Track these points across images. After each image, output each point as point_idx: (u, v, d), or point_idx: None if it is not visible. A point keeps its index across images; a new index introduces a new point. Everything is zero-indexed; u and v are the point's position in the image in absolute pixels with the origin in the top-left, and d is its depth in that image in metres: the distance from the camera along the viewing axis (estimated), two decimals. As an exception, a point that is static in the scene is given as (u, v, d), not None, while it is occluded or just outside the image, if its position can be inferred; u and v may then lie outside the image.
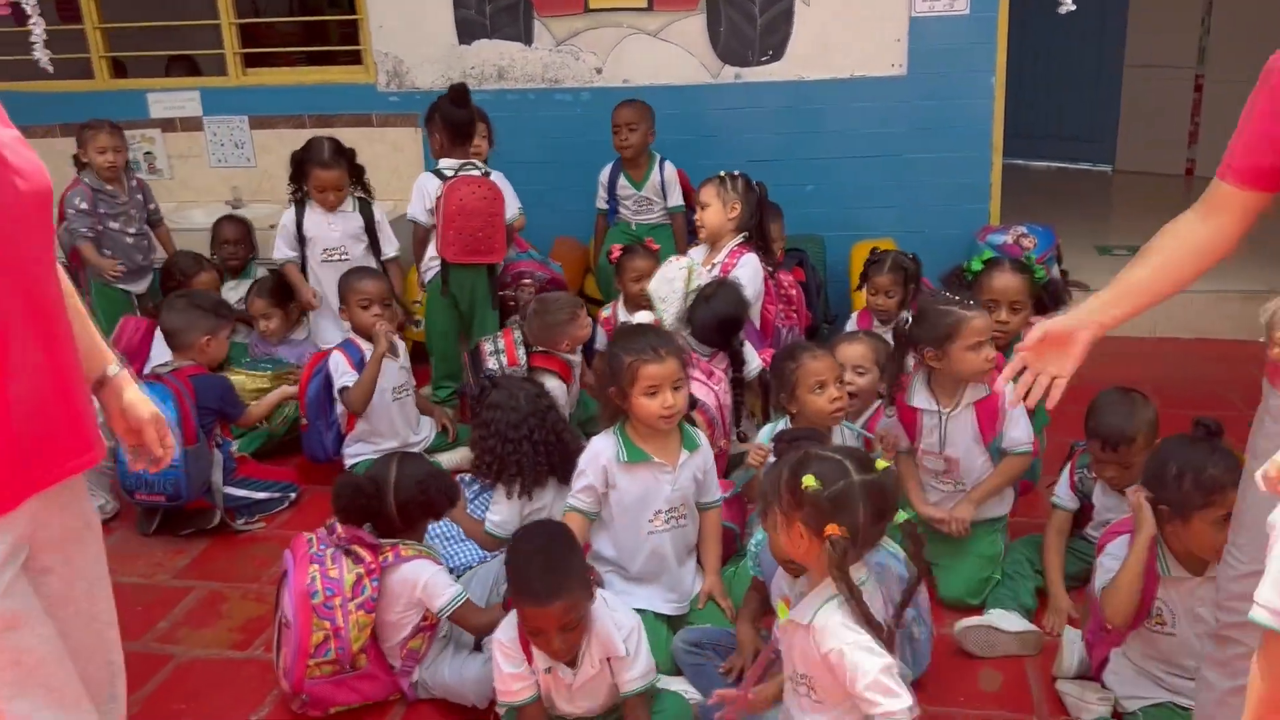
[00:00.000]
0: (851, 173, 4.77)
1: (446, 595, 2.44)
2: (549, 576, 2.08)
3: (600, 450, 2.59)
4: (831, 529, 1.81)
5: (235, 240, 4.58)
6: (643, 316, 3.69)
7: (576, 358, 3.63)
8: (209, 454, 3.32)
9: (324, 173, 3.98)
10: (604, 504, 2.61)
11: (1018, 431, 2.76)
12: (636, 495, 2.58)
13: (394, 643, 2.50)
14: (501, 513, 2.81)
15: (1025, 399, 1.87)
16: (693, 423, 3.10)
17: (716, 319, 3.32)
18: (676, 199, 4.51)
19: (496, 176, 4.06)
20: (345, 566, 2.45)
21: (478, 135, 4.25)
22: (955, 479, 2.81)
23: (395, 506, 2.54)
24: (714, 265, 3.63)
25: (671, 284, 3.62)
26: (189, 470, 3.22)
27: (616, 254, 3.90)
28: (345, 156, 4.04)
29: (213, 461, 3.33)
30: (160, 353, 3.59)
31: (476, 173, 3.90)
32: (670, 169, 4.49)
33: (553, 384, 3.44)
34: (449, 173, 3.89)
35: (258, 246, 4.66)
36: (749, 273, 3.55)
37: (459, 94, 3.94)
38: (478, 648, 2.55)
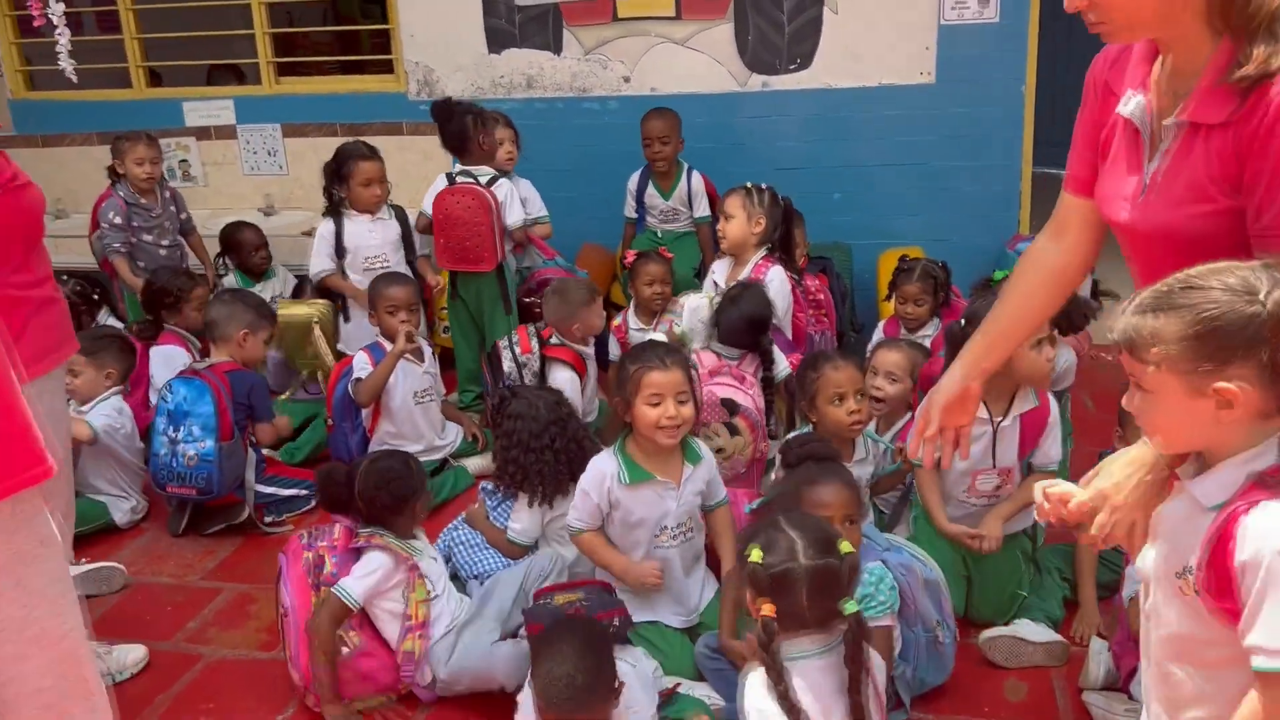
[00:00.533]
0: (879, 181, 4.76)
1: (347, 583, 2.45)
2: (575, 689, 2.01)
3: (603, 471, 2.56)
4: (767, 609, 1.80)
5: (259, 245, 4.64)
6: (664, 335, 3.71)
7: (589, 350, 3.63)
8: (243, 451, 3.37)
9: (367, 164, 4.02)
10: (609, 523, 2.60)
11: (1054, 448, 2.73)
12: (641, 516, 2.56)
13: (393, 638, 2.52)
14: (523, 521, 2.82)
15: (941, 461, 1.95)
16: (735, 430, 3.10)
17: (744, 318, 3.34)
18: (703, 209, 4.52)
19: (521, 184, 4.08)
20: (324, 547, 2.54)
21: (508, 142, 4.29)
22: (1009, 493, 2.74)
23: (359, 497, 2.60)
24: (739, 281, 3.65)
25: (697, 313, 3.65)
26: (222, 465, 3.27)
27: (631, 259, 3.92)
28: (380, 156, 4.09)
29: (247, 460, 3.38)
30: (161, 373, 3.65)
31: (472, 180, 3.93)
32: (698, 179, 4.51)
33: (565, 375, 3.48)
34: (459, 179, 3.96)
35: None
36: (777, 287, 3.58)
37: (438, 109, 4.02)
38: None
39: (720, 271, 3.80)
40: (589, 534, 2.58)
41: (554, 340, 3.59)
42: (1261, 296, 1.26)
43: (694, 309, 3.66)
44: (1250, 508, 1.29)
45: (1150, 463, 1.49)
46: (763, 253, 3.67)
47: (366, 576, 2.47)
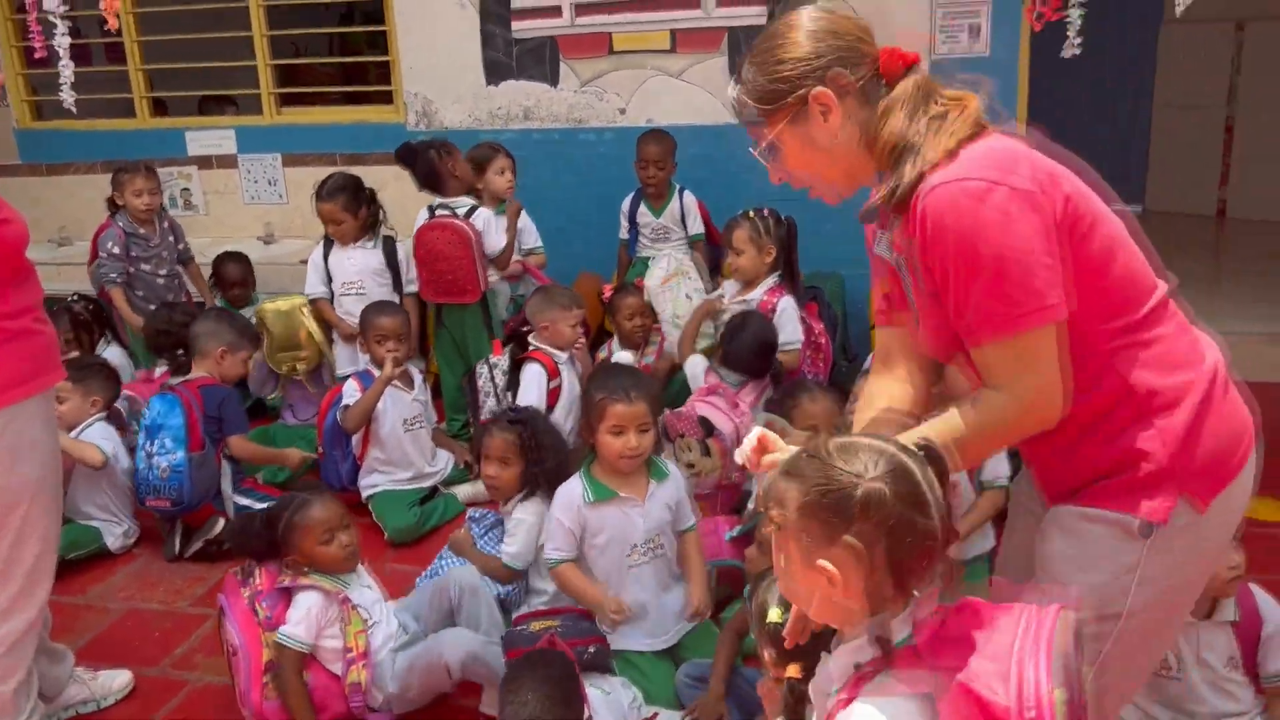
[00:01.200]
0: (873, 212, 4.78)
1: (284, 627, 2.46)
2: None
3: (572, 494, 2.62)
4: (792, 670, 1.69)
5: (240, 281, 4.68)
6: (622, 356, 3.77)
7: (564, 355, 3.67)
8: (215, 463, 3.44)
9: (319, 205, 4.11)
10: (581, 546, 2.64)
11: (1001, 463, 2.75)
12: (610, 535, 2.60)
13: (338, 671, 2.53)
14: (518, 545, 2.83)
15: None
16: (707, 451, 3.14)
17: (751, 344, 3.41)
18: (696, 227, 4.56)
19: (526, 213, 4.11)
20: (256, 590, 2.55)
21: (508, 170, 4.34)
22: (957, 506, 2.76)
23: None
24: (747, 301, 3.72)
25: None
26: (192, 475, 3.33)
27: (609, 293, 3.97)
28: (348, 191, 4.12)
29: (221, 471, 3.45)
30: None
31: (450, 213, 4.00)
32: (689, 198, 4.55)
33: (534, 369, 3.56)
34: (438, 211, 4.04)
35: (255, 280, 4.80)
36: (789, 317, 3.65)
37: (401, 155, 4.13)
38: None
39: (729, 291, 3.87)
40: (565, 565, 2.62)
41: (532, 346, 3.67)
42: (868, 476, 1.24)
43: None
44: (845, 705, 1.26)
45: None
46: (774, 279, 3.73)
47: (304, 619, 2.48)
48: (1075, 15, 3.64)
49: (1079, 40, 3.72)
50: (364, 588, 2.61)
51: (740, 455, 1.52)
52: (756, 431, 1.52)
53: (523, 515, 2.83)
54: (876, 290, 1.73)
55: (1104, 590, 1.51)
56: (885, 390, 1.69)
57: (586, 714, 2.10)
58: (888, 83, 1.54)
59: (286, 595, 2.54)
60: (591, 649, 2.37)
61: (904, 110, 1.51)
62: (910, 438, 1.44)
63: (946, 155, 1.45)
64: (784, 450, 1.47)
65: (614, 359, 3.82)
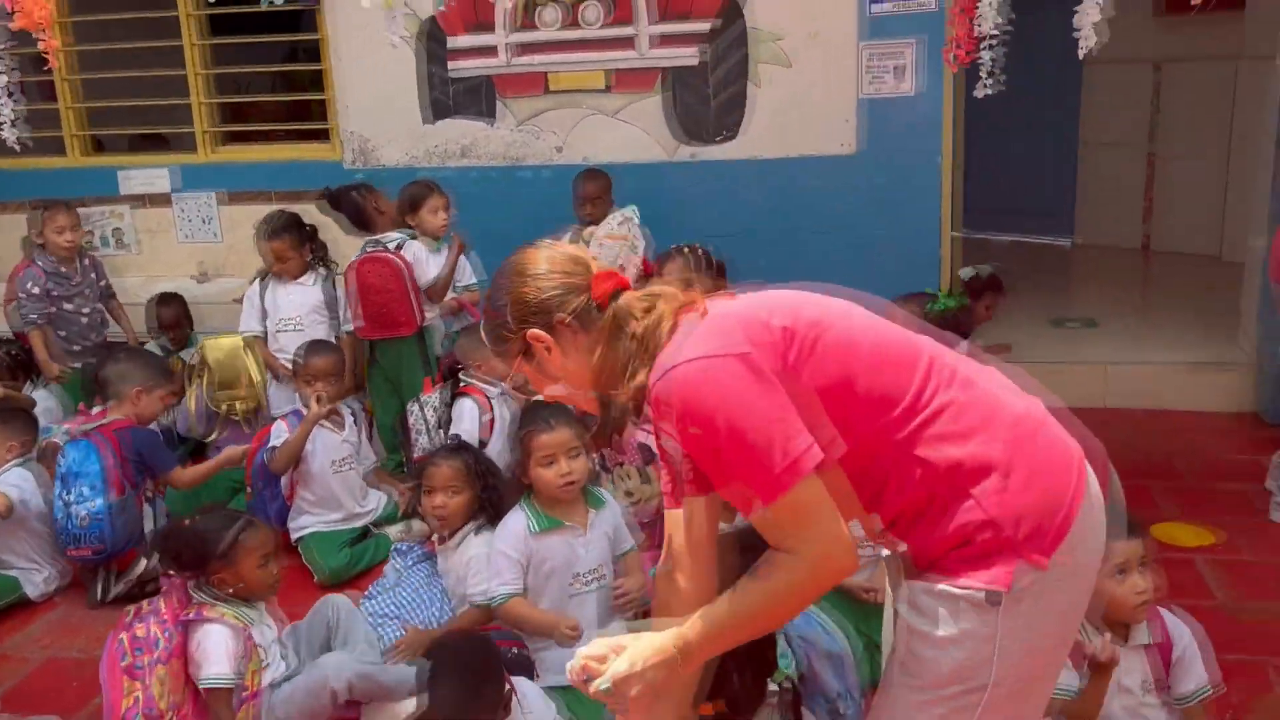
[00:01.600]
0: (805, 247, 4.85)
1: (209, 669, 2.41)
2: (462, 696, 2.10)
3: (516, 526, 2.67)
4: (705, 709, 1.76)
5: (175, 324, 4.66)
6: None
7: (495, 389, 3.68)
8: (137, 506, 3.37)
9: (268, 243, 4.17)
10: (527, 576, 2.67)
11: None
12: (554, 563, 2.65)
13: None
14: (485, 580, 2.77)
15: None
16: (647, 478, 3.17)
17: None
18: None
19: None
20: (151, 624, 2.47)
21: (442, 210, 4.35)
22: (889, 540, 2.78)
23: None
24: None
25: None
26: (114, 521, 3.27)
27: None
28: (293, 229, 4.17)
29: (142, 514, 3.38)
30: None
31: (381, 248, 4.05)
32: None
33: (468, 404, 3.58)
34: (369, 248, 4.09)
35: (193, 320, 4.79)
36: None
37: (329, 202, 4.24)
38: None
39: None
40: (515, 600, 2.63)
41: (464, 380, 3.68)
42: None
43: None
44: None
45: (664, 654, 1.50)
46: None
47: (224, 656, 2.43)
48: (987, 57, 3.79)
49: (991, 80, 3.86)
50: (265, 626, 2.59)
51: (569, 675, 1.56)
52: (581, 656, 1.54)
53: (480, 549, 2.82)
54: (665, 478, 1.77)
55: (966, 664, 1.51)
56: (677, 593, 1.72)
57: (508, 689, 2.15)
58: (601, 308, 1.62)
59: (186, 628, 2.48)
60: (514, 650, 2.42)
61: (606, 338, 1.60)
62: (699, 622, 1.49)
63: (648, 354, 1.54)
64: (607, 677, 1.49)
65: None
